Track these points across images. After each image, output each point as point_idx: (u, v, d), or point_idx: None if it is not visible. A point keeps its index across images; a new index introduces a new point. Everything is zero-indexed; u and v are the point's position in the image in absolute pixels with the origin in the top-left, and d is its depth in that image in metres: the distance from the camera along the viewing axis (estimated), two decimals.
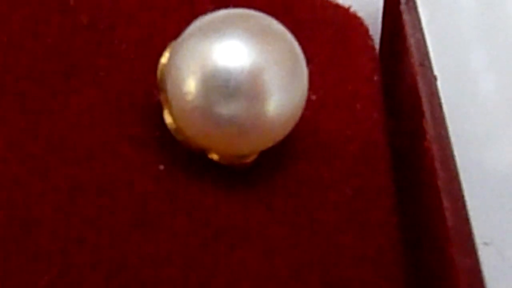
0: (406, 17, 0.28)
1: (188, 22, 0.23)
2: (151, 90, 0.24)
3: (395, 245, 0.23)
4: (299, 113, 0.22)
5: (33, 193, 0.22)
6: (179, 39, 0.22)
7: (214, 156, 0.21)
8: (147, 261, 0.21)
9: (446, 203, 0.21)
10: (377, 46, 0.30)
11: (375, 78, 0.27)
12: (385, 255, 0.23)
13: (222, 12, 0.22)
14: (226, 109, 0.20)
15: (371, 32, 0.30)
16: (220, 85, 0.20)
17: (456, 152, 0.26)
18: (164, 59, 0.22)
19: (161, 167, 0.22)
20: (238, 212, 0.22)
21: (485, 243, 0.27)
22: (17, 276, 0.21)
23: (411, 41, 0.27)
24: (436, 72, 0.28)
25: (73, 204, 0.22)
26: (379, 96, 0.27)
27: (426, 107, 0.24)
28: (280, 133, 0.21)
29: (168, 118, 0.22)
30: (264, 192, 0.23)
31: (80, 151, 0.23)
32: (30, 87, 0.25)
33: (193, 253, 0.21)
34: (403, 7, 0.28)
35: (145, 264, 0.21)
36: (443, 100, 0.28)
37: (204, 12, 0.24)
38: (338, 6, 0.29)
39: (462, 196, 0.22)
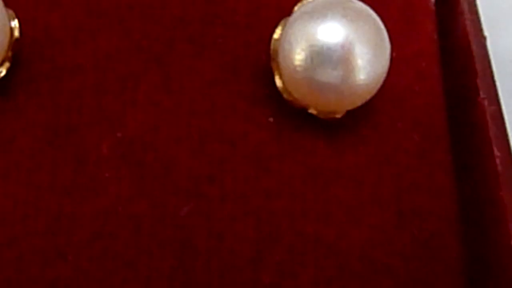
0: None
1: None
2: (260, 56, 0.26)
3: (452, 182, 0.25)
4: (382, 79, 0.24)
5: (170, 140, 0.25)
6: (289, 21, 0.24)
7: (313, 111, 0.24)
8: (262, 193, 0.24)
9: (496, 152, 0.23)
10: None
11: (435, 37, 0.28)
12: (444, 191, 0.25)
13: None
14: (327, 78, 0.22)
15: None
16: (323, 60, 0.22)
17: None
18: (276, 35, 0.24)
19: (271, 119, 0.25)
20: (331, 156, 0.25)
21: None
22: (161, 208, 0.24)
23: (464, 4, 0.28)
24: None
25: (203, 149, 0.25)
26: (438, 54, 0.28)
27: (478, 66, 0.26)
28: (367, 96, 0.24)
29: (278, 82, 0.24)
30: (351, 139, 0.25)
31: (205, 105, 0.25)
32: (162, 50, 0.27)
33: (297, 188, 0.24)
34: None
35: (261, 196, 0.24)
36: None
37: None
38: None
39: (509, 146, 0.24)
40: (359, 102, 0.24)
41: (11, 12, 0.25)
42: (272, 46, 0.24)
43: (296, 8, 0.24)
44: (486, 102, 0.24)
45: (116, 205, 0.23)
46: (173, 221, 0.23)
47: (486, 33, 0.29)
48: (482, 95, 0.25)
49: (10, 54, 0.24)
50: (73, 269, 0.23)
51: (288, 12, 0.25)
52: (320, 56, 0.22)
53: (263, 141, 0.25)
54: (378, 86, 0.24)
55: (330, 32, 0.23)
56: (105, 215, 0.23)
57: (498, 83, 0.27)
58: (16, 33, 0.24)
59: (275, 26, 0.25)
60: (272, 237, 0.24)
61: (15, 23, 0.25)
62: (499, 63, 0.30)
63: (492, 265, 0.23)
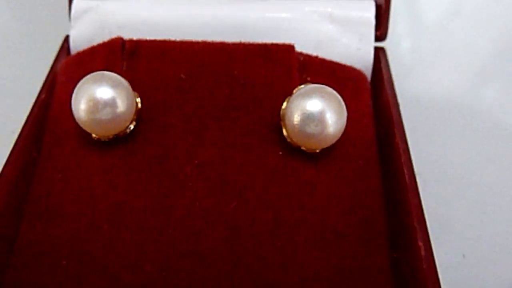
0: (384, 70, 0.30)
1: (285, 85, 0.28)
2: (274, 117, 0.27)
3: (380, 186, 0.26)
4: (342, 131, 0.25)
5: (222, 165, 0.26)
6: (291, 99, 0.26)
7: (304, 149, 0.26)
8: (272, 197, 0.25)
9: (405, 170, 0.25)
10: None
11: (371, 105, 0.29)
12: (378, 191, 0.26)
13: (310, 86, 0.26)
14: (312, 131, 0.25)
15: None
16: (310, 121, 0.25)
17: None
18: (283, 106, 0.26)
19: (280, 153, 0.26)
20: (312, 174, 0.26)
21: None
22: (219, 205, 0.24)
23: (386, 82, 0.30)
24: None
25: (241, 169, 0.25)
26: (373, 114, 0.29)
27: (395, 119, 0.27)
28: (333, 140, 0.25)
29: (285, 132, 0.26)
30: (324, 165, 0.26)
31: (242, 144, 0.26)
32: (215, 115, 0.27)
33: (294, 194, 0.25)
34: (382, 64, 0.31)
35: (272, 199, 0.25)
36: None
37: (294, 81, 0.28)
38: (355, 69, 0.30)
39: (414, 170, 0.25)
40: (329, 144, 0.26)
41: (136, 93, 0.27)
42: (281, 112, 0.26)
43: (294, 91, 0.26)
44: (399, 142, 0.26)
45: (195, 202, 0.25)
46: (226, 212, 0.24)
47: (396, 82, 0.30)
48: (397, 138, 0.27)
49: (135, 117, 0.26)
50: (175, 238, 0.24)
51: (289, 92, 0.27)
52: (308, 119, 0.25)
53: (276, 165, 0.26)
54: (340, 135, 0.25)
55: (314, 105, 0.25)
56: (189, 209, 0.24)
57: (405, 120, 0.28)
58: (139, 105, 0.26)
59: (283, 101, 0.26)
60: (278, 221, 0.24)
61: (138, 99, 0.26)
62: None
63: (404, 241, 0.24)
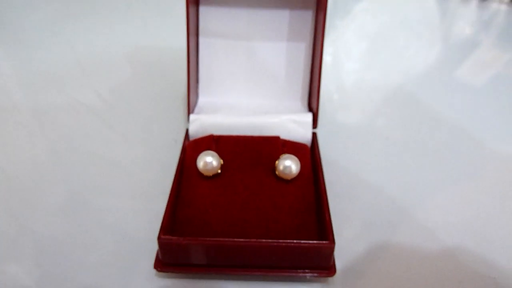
0: (315, 143, 0.33)
1: (276, 153, 0.31)
2: (273, 165, 0.30)
3: (312, 193, 0.28)
4: (298, 172, 0.29)
5: (249, 190, 0.28)
6: (279, 160, 0.29)
7: (284, 178, 0.29)
8: (269, 202, 0.27)
9: (322, 186, 0.27)
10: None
11: (310, 159, 0.32)
12: (311, 195, 0.28)
13: (286, 155, 0.29)
14: (287, 172, 0.29)
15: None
16: (286, 169, 0.29)
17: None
18: (277, 162, 0.30)
19: (274, 179, 0.29)
20: (286, 190, 0.28)
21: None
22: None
23: (316, 148, 0.32)
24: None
25: (259, 192, 0.27)
26: (310, 165, 0.31)
27: (319, 165, 0.30)
28: (295, 175, 0.29)
29: (276, 172, 0.29)
30: (290, 185, 0.29)
31: (257, 179, 0.29)
32: (244, 169, 0.29)
33: (277, 200, 0.27)
34: (314, 140, 0.33)
35: (268, 204, 0.27)
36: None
37: (279, 152, 0.31)
38: (303, 144, 0.33)
39: (325, 186, 0.27)
40: (293, 176, 0.29)
41: (220, 158, 0.30)
42: (275, 165, 0.30)
43: (280, 156, 0.30)
44: (320, 174, 0.29)
45: (244, 199, 0.28)
46: (256, 203, 0.27)
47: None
48: (320, 173, 0.29)
49: (220, 167, 0.30)
50: (237, 213, 0.27)
51: (278, 157, 0.30)
52: (285, 167, 0.29)
53: (272, 185, 0.29)
54: (297, 173, 0.29)
55: (287, 163, 0.29)
56: (241, 202, 0.27)
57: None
58: (222, 163, 0.30)
59: (275, 160, 0.30)
60: (274, 206, 0.27)
61: (221, 161, 0.30)
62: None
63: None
